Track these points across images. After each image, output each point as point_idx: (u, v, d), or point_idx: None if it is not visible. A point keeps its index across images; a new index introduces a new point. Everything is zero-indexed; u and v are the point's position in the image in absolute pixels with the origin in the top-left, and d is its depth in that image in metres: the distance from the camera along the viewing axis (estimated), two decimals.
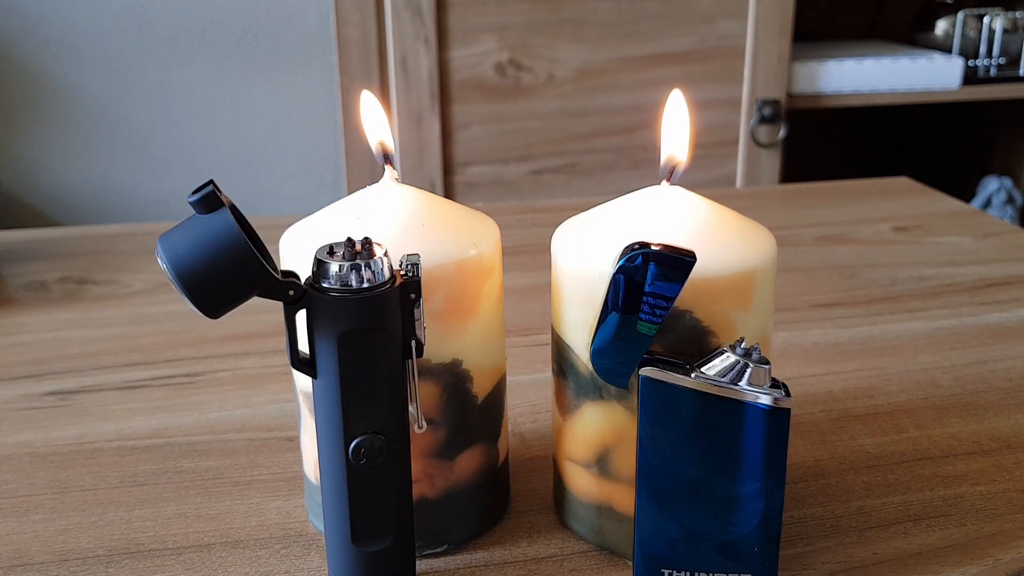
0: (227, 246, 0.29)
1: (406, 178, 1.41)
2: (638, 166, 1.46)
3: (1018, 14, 1.56)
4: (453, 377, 0.36)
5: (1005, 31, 1.55)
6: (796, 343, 0.58)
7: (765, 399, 0.32)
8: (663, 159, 0.37)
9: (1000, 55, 1.56)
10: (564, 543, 0.39)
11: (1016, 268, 0.70)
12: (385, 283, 0.32)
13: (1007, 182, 1.70)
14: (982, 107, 1.80)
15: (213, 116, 1.43)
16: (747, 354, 0.32)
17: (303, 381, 0.38)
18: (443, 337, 0.36)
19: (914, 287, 0.67)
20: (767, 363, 0.32)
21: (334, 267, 0.31)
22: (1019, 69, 1.57)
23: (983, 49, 1.56)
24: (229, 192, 0.29)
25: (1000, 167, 1.80)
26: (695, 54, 1.42)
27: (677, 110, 0.37)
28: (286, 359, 0.33)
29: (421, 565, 0.38)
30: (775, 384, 0.32)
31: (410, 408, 0.34)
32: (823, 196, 0.91)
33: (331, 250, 0.32)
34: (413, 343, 0.33)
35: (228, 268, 0.29)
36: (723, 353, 0.32)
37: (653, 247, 0.31)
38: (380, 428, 0.33)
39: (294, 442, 0.47)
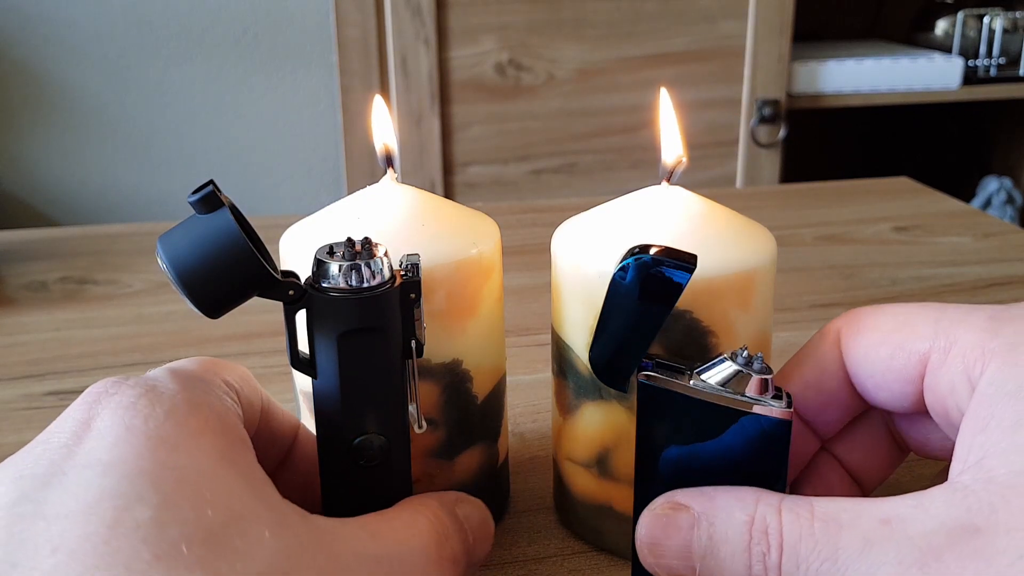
0: (227, 246, 0.29)
1: (406, 178, 1.41)
2: (638, 166, 1.46)
3: (1018, 14, 1.56)
4: (453, 377, 0.36)
5: (1005, 31, 1.55)
6: (796, 343, 0.58)
7: (766, 410, 0.31)
8: (663, 159, 0.37)
9: (1000, 55, 1.56)
10: (564, 543, 0.39)
11: (1016, 268, 0.70)
12: (385, 283, 0.32)
13: (1007, 182, 1.70)
14: (982, 107, 1.80)
15: (213, 116, 1.43)
16: (748, 363, 0.31)
17: (303, 381, 0.37)
18: (443, 337, 0.36)
19: (914, 287, 0.67)
20: (769, 372, 0.31)
21: (334, 267, 0.31)
22: (1019, 69, 1.57)
23: (983, 49, 1.56)
24: (229, 192, 0.29)
25: (1000, 167, 1.80)
26: (695, 54, 1.42)
27: (667, 110, 0.37)
28: (286, 359, 0.33)
29: None
30: (777, 394, 0.32)
31: (410, 408, 0.34)
32: (823, 196, 0.91)
33: (331, 250, 0.32)
34: (413, 343, 0.33)
35: (228, 268, 0.29)
36: (724, 361, 0.32)
37: (654, 250, 0.31)
38: (380, 428, 0.33)
39: None
